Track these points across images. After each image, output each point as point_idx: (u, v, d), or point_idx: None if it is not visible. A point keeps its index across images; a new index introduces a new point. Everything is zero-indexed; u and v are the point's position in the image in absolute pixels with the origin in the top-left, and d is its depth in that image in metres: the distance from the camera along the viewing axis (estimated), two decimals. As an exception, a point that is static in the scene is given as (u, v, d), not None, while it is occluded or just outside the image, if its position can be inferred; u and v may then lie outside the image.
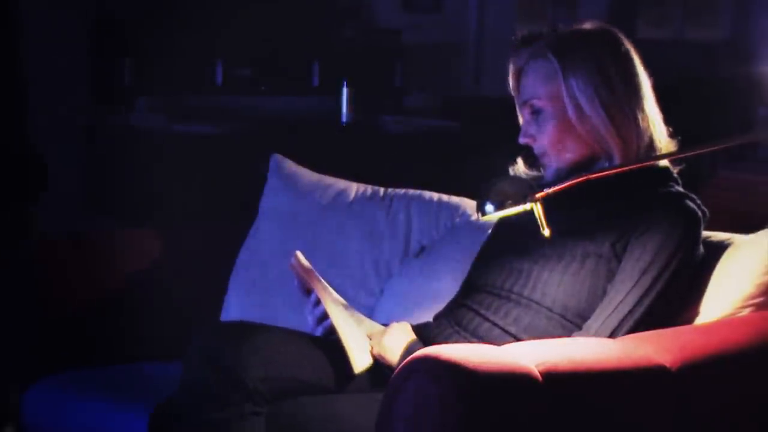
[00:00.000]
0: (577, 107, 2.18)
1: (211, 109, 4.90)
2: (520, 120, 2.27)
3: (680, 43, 6.15)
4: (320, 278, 2.27)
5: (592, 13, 5.94)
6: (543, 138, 2.22)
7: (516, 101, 2.27)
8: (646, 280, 2.09)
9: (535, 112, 2.22)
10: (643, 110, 2.19)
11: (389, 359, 2.20)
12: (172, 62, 4.74)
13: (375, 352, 2.22)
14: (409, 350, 2.15)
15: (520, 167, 2.35)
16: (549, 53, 2.19)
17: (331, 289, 2.28)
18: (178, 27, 4.69)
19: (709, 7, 6.15)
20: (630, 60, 2.21)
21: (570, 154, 2.21)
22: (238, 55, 5.16)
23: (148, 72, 4.88)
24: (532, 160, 2.31)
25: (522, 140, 2.25)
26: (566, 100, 2.18)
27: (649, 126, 2.20)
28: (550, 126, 2.21)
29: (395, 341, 2.21)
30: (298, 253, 2.29)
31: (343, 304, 2.27)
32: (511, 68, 2.26)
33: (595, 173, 2.13)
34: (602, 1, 6.15)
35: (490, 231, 2.43)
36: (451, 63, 6.29)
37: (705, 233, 2.19)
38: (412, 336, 2.23)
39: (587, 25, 2.25)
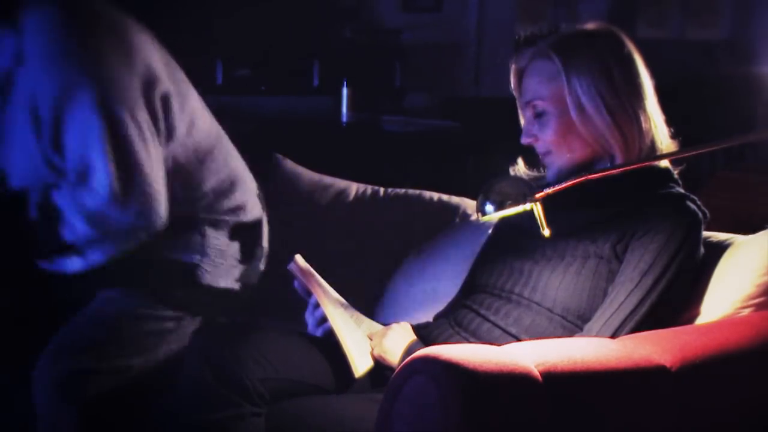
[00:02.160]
0: (580, 108, 2.17)
1: (211, 109, 4.89)
2: (522, 120, 2.26)
3: (680, 43, 6.14)
4: (320, 280, 2.27)
5: (592, 13, 5.93)
6: (545, 138, 2.22)
7: (518, 101, 2.27)
8: (648, 282, 2.09)
9: (538, 113, 2.22)
10: (645, 111, 2.19)
11: (390, 360, 2.19)
12: (172, 62, 4.73)
13: (375, 353, 2.22)
14: (410, 351, 2.15)
15: (520, 167, 2.35)
16: (552, 54, 2.19)
17: (331, 291, 2.28)
18: (177, 27, 4.68)
19: (709, 7, 6.15)
20: (633, 61, 2.20)
21: (572, 155, 2.21)
22: (238, 55, 5.15)
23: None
24: (532, 160, 2.31)
25: (524, 140, 2.24)
26: (569, 101, 2.18)
27: (651, 127, 2.19)
28: (552, 126, 2.20)
29: (395, 342, 2.21)
30: (297, 257, 2.29)
31: (343, 305, 2.27)
32: (513, 68, 2.26)
33: (595, 173, 2.13)
34: (602, 1, 6.15)
35: (490, 231, 2.43)
36: (451, 63, 6.28)
37: (705, 233, 2.19)
38: (413, 336, 2.23)
39: (590, 26, 2.24)
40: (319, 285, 2.26)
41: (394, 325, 2.27)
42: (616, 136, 2.17)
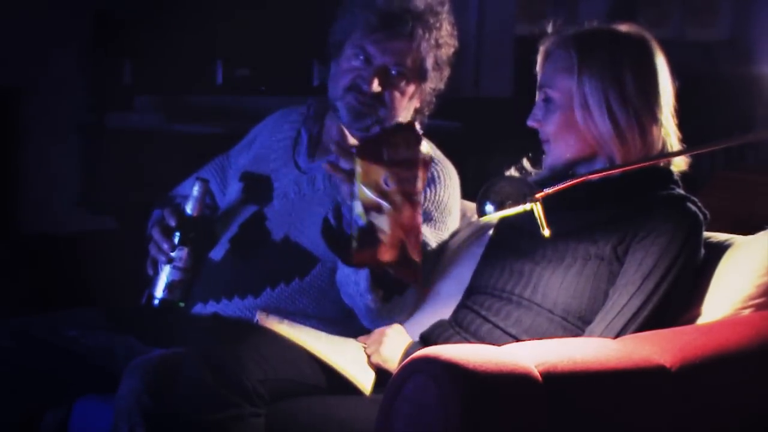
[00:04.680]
0: (584, 106, 2.17)
1: (211, 109, 4.89)
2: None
3: (680, 43, 6.14)
4: (292, 324, 2.28)
5: (592, 12, 5.93)
6: (547, 126, 2.22)
7: (537, 81, 2.27)
8: (649, 284, 2.09)
9: (546, 100, 2.22)
10: (656, 120, 2.18)
11: (390, 368, 2.21)
12: (172, 62, 4.73)
13: (374, 361, 2.24)
14: (408, 354, 2.15)
15: (520, 167, 2.34)
16: (571, 47, 2.19)
17: (307, 329, 2.29)
18: (178, 27, 4.68)
19: (709, 7, 6.15)
20: (651, 70, 2.19)
21: (569, 149, 2.21)
22: (238, 55, 5.14)
23: (148, 72, 4.86)
24: (533, 160, 2.30)
25: (529, 122, 2.25)
26: (575, 97, 2.18)
27: (662, 136, 2.19)
28: (555, 117, 2.21)
29: (392, 349, 2.23)
30: (261, 315, 2.29)
31: (323, 338, 2.29)
32: (541, 49, 2.26)
33: (594, 173, 2.13)
34: (602, 1, 6.14)
35: (490, 232, 2.43)
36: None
37: (705, 234, 2.19)
38: (408, 339, 2.24)
39: (622, 27, 2.24)
40: (294, 330, 2.27)
41: (387, 331, 2.27)
42: (616, 141, 2.16)
